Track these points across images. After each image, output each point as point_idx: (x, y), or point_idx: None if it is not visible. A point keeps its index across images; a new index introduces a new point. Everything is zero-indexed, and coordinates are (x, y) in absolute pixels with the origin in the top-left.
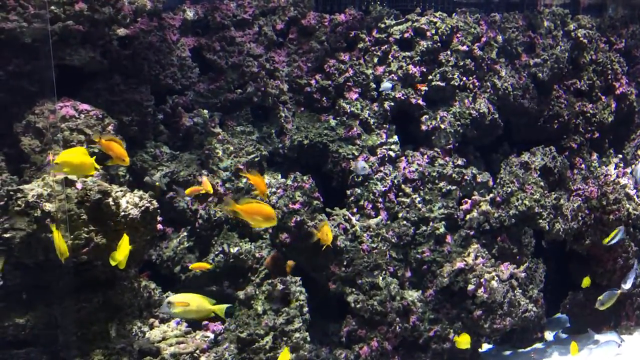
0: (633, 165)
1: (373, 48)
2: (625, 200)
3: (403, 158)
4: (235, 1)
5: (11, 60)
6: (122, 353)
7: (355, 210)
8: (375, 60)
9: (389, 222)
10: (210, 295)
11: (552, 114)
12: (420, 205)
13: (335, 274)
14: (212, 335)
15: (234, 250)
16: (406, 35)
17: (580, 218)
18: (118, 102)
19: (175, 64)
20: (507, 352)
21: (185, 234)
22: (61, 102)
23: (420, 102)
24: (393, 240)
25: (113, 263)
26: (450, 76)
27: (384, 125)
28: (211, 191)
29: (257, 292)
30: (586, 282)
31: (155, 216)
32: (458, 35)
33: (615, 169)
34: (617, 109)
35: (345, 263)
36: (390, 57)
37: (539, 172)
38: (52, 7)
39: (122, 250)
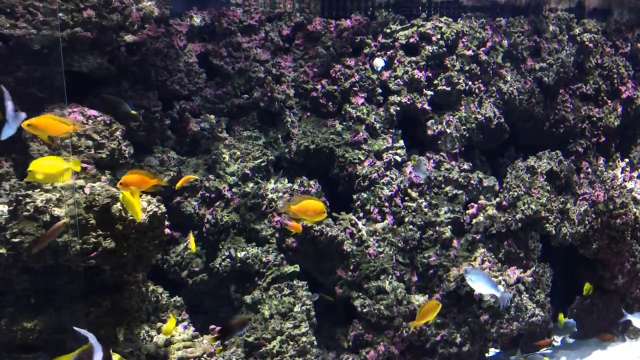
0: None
1: (379, 53)
2: (632, 204)
3: (409, 162)
4: (241, 7)
5: (20, 66)
6: (130, 357)
7: (361, 214)
8: None
9: (395, 226)
10: (217, 299)
11: (558, 118)
12: (426, 210)
13: (341, 278)
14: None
15: (240, 254)
16: (412, 40)
17: (587, 222)
18: None
19: (182, 69)
20: (514, 357)
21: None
22: (69, 108)
23: (426, 106)
24: (399, 244)
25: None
26: (456, 81)
27: (390, 130)
28: (194, 250)
29: (264, 297)
30: (587, 287)
31: (163, 221)
32: (463, 39)
33: (621, 173)
34: (624, 113)
35: (351, 267)
36: (396, 61)
37: (545, 177)
38: (61, 14)
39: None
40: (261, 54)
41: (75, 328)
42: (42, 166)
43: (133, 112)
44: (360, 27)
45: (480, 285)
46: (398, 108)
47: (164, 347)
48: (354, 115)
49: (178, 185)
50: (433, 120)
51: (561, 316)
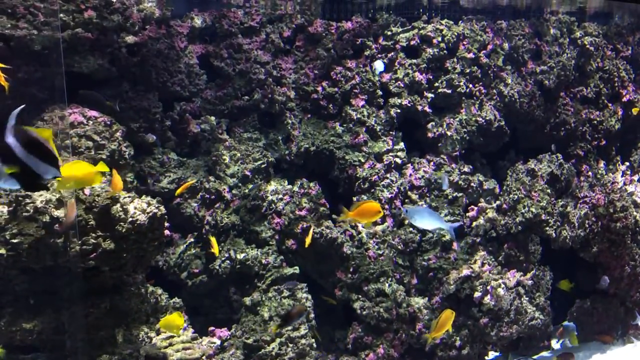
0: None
1: (379, 55)
2: (633, 208)
3: (409, 165)
4: (242, 9)
5: (21, 67)
6: (129, 358)
7: None
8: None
9: (395, 228)
10: (216, 301)
11: (558, 121)
12: None
13: (341, 280)
14: (218, 341)
15: (240, 256)
16: (412, 42)
17: (587, 225)
18: (126, 108)
19: (182, 71)
20: None
21: (192, 240)
22: (70, 109)
23: (426, 109)
24: (399, 247)
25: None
26: (457, 83)
27: (391, 132)
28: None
29: (264, 298)
30: (564, 285)
31: (162, 222)
32: (464, 42)
33: (622, 176)
34: (624, 116)
35: (351, 270)
36: (396, 64)
37: (545, 180)
38: (61, 15)
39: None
40: (262, 56)
41: None
42: None
43: (108, 103)
44: (361, 30)
45: (424, 222)
46: (398, 110)
47: (162, 349)
48: (355, 118)
49: (178, 192)
50: (433, 123)
51: (574, 338)
